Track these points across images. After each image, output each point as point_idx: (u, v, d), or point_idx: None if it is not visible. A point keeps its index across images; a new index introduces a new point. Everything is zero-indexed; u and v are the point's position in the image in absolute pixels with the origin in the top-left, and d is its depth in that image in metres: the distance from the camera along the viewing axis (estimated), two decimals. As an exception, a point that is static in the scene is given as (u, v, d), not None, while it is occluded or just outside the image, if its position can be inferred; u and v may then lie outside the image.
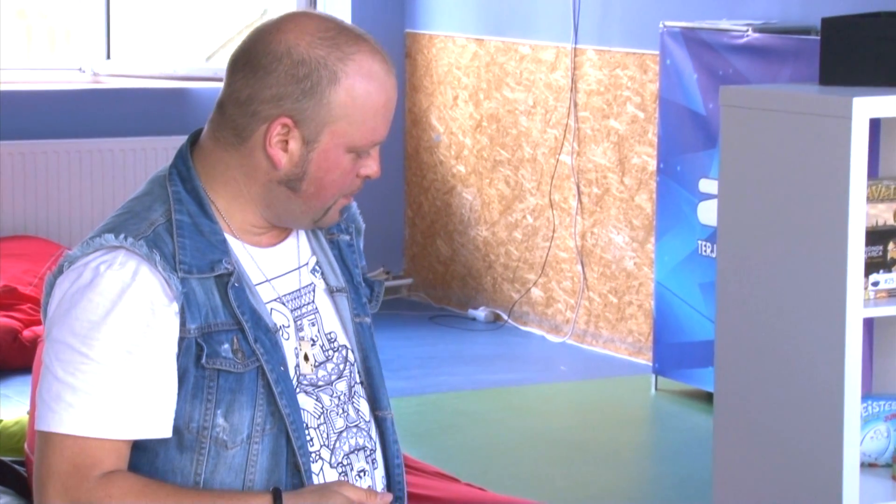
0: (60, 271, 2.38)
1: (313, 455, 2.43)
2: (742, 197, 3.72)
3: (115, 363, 2.31)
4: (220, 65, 8.76)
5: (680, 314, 6.66)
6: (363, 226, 2.66)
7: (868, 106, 3.46)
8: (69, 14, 8.84)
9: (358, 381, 2.53)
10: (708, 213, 6.33)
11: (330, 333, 2.51)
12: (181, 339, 2.35)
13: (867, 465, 3.68)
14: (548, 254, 7.74)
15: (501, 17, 8.39)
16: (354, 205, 2.63)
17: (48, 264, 7.99)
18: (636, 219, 7.33)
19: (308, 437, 2.43)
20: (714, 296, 3.83)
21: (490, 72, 8.42)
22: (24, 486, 4.97)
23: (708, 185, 6.30)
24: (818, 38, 3.84)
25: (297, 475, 2.40)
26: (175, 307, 2.34)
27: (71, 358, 2.32)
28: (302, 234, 2.52)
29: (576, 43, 7.79)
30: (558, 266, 7.71)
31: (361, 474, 2.50)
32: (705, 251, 6.44)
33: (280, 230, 2.48)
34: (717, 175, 3.85)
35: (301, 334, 2.46)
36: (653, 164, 7.08)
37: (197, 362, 2.35)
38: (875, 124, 3.57)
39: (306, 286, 2.50)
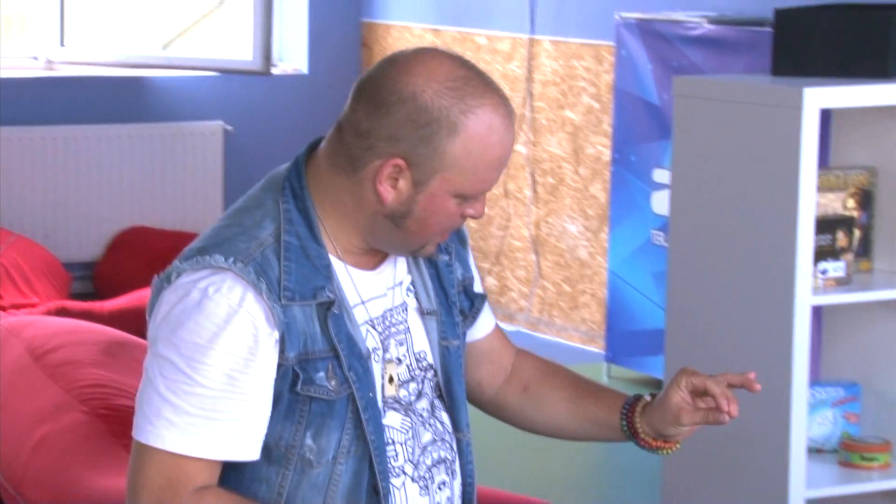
0: (169, 280, 2.40)
1: (396, 469, 2.47)
2: (694, 187, 3.74)
3: (218, 388, 2.35)
4: (177, 53, 8.73)
5: (632, 303, 6.69)
6: (467, 237, 2.66)
7: (819, 96, 3.49)
8: (23, 1, 8.78)
9: (438, 395, 2.54)
10: (661, 202, 6.35)
11: (420, 353, 2.53)
12: (279, 366, 2.37)
13: (814, 451, 3.71)
14: (502, 243, 7.75)
15: (458, 8, 8.39)
16: (464, 229, 2.64)
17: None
18: (590, 208, 7.35)
19: (393, 453, 2.46)
20: (667, 284, 3.84)
21: (446, 61, 8.42)
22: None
23: (661, 175, 6.32)
24: (772, 29, 3.85)
25: (376, 497, 2.43)
26: (276, 335, 2.36)
27: (175, 377, 2.35)
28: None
29: (532, 34, 7.80)
30: (512, 255, 7.73)
31: (442, 486, 2.52)
32: (658, 241, 6.46)
33: (382, 251, 2.49)
34: (671, 163, 3.86)
35: (387, 356, 2.48)
36: (607, 155, 7.10)
37: (292, 388, 2.38)
38: (826, 115, 3.60)
39: (398, 305, 2.51)
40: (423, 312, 2.54)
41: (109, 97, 8.59)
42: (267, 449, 2.41)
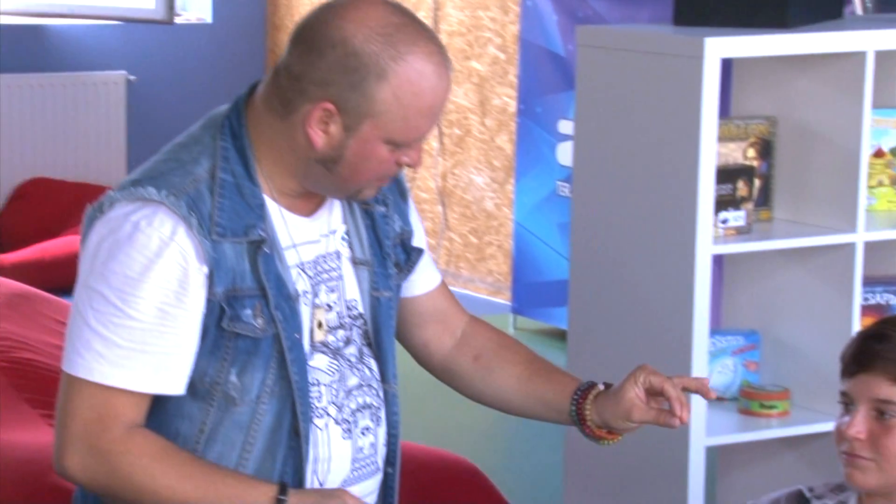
0: (101, 210, 2.41)
1: (319, 410, 2.47)
2: (596, 137, 3.75)
3: (148, 321, 2.36)
4: (79, 1, 8.66)
5: (538, 254, 6.72)
6: (408, 189, 2.66)
7: (719, 46, 3.50)
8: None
9: (367, 343, 2.55)
10: (566, 154, 6.38)
11: (351, 301, 2.53)
12: (208, 301, 2.38)
13: (714, 399, 3.72)
14: (409, 194, 7.76)
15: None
16: (404, 181, 2.64)
17: None
18: (496, 160, 7.36)
19: (317, 394, 2.46)
20: (570, 235, 3.85)
21: (352, 11, 8.40)
22: None
23: (567, 127, 6.34)
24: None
25: (297, 439, 2.44)
26: (205, 270, 2.36)
27: (105, 309, 2.36)
28: (336, 202, 2.53)
29: (431, -22, 7.79)
30: (419, 206, 7.72)
31: (365, 431, 2.53)
32: (564, 192, 6.49)
33: (317, 197, 2.49)
34: (574, 114, 3.87)
35: (317, 300, 2.48)
36: (513, 106, 7.11)
37: (218, 323, 2.39)
38: (727, 64, 3.61)
39: (332, 252, 2.51)
40: (355, 262, 2.55)
41: (10, 46, 8.50)
42: (191, 384, 2.41)
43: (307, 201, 2.49)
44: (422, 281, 2.69)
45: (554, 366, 2.74)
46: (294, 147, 2.43)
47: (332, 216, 2.53)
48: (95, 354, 2.37)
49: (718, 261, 3.73)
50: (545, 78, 6.78)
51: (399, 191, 2.63)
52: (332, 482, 2.50)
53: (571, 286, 3.83)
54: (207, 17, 8.88)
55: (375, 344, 2.57)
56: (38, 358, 4.68)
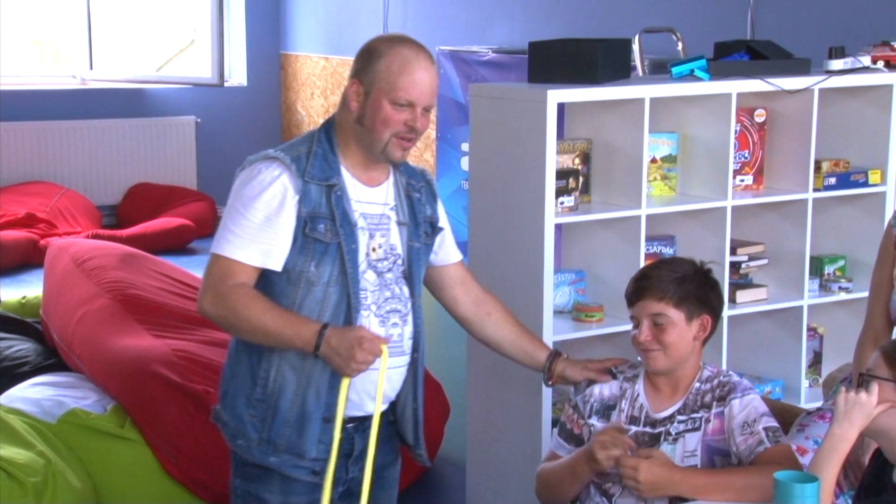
0: (243, 168, 2.46)
1: (365, 305, 2.47)
2: (484, 153, 3.72)
3: (258, 223, 2.40)
4: (166, 73, 8.57)
5: (452, 225, 6.69)
6: (437, 193, 2.69)
7: (557, 95, 3.48)
8: (66, 40, 8.62)
9: (402, 275, 2.54)
10: (466, 163, 6.35)
11: (393, 246, 2.52)
12: (297, 217, 2.40)
13: (557, 312, 3.71)
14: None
15: (340, 43, 8.32)
16: (432, 181, 2.67)
17: (55, 199, 7.78)
18: (425, 168, 7.33)
19: (364, 295, 2.46)
20: (468, 212, 3.84)
21: (333, 78, 8.34)
22: (40, 337, 4.86)
23: (466, 147, 6.33)
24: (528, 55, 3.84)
25: (349, 315, 2.44)
26: (297, 198, 2.40)
27: (235, 215, 2.41)
28: (391, 185, 2.54)
29: (387, 59, 7.77)
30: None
31: (394, 325, 2.52)
32: (465, 187, 6.48)
33: (379, 175, 2.51)
34: (469, 139, 3.85)
35: (371, 240, 2.48)
36: (434, 134, 7.09)
37: (303, 232, 2.41)
38: (561, 106, 3.61)
39: (384, 214, 2.52)
40: (398, 223, 2.54)
41: (122, 101, 8.44)
42: (287, 273, 2.42)
43: (370, 177, 2.50)
44: (447, 254, 2.71)
45: (533, 333, 2.81)
46: (348, 118, 2.47)
47: (388, 193, 2.53)
48: (227, 241, 2.41)
49: (559, 227, 3.72)
50: (453, 116, 6.77)
51: (430, 192, 2.64)
52: None
53: (470, 244, 3.82)
54: (244, 82, 8.82)
55: (408, 274, 2.55)
56: (143, 293, 4.66)
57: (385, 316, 2.49)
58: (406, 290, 2.53)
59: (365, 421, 2.49)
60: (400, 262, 2.52)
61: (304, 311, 2.41)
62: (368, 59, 2.43)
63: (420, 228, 2.56)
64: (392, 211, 2.52)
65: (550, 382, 2.74)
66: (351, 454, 2.51)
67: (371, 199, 2.49)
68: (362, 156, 2.46)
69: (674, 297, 2.61)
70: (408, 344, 2.55)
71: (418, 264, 2.56)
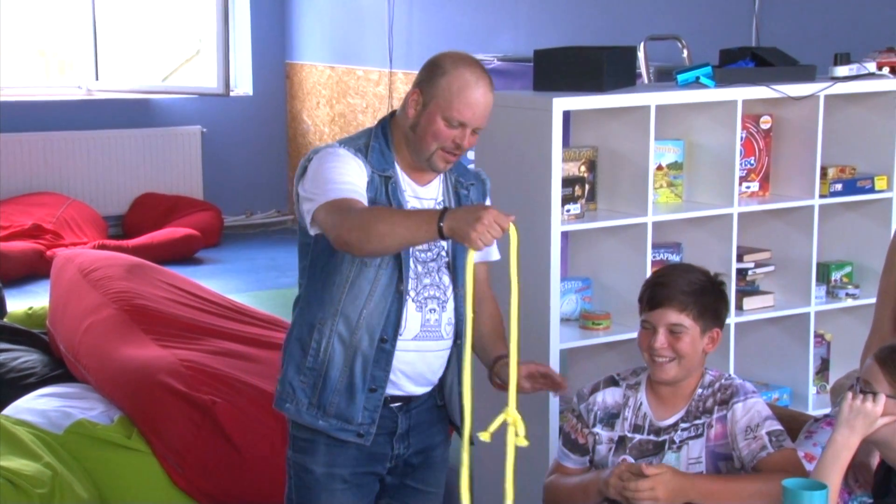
0: (308, 159, 2.51)
1: (406, 288, 2.54)
2: (489, 162, 3.71)
3: (349, 174, 2.46)
4: (172, 83, 8.59)
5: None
6: (488, 192, 2.74)
7: (562, 103, 3.49)
8: (72, 51, 8.64)
9: (445, 265, 2.60)
10: (472, 171, 6.34)
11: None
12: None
13: (564, 320, 3.71)
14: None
15: (344, 52, 8.33)
16: (486, 181, 2.72)
17: (61, 209, 7.79)
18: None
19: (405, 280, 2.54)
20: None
21: (339, 87, 8.36)
22: (47, 348, 4.87)
23: (472, 155, 6.29)
24: (533, 63, 3.85)
25: (398, 298, 2.51)
26: (367, 179, 2.49)
27: (325, 180, 2.44)
28: (440, 181, 2.61)
29: (391, 68, 7.76)
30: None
31: (431, 311, 2.58)
32: (471, 194, 6.46)
33: (429, 175, 2.58)
34: (475, 148, 3.85)
35: None
36: (439, 142, 7.09)
37: None
38: (567, 114, 3.61)
39: (433, 209, 2.56)
40: None
41: (128, 111, 8.45)
42: (341, 253, 2.47)
43: (421, 177, 2.58)
44: (488, 253, 2.70)
45: (503, 338, 2.73)
46: (404, 122, 2.55)
47: (437, 189, 2.61)
48: (329, 190, 2.42)
49: (566, 235, 3.72)
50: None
51: (481, 190, 2.71)
52: (409, 332, 2.55)
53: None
54: (250, 91, 8.83)
55: (452, 265, 2.60)
56: (150, 303, 4.66)
57: (423, 301, 2.57)
58: (447, 279, 2.60)
59: (410, 402, 2.60)
60: (444, 253, 2.60)
61: (355, 288, 2.52)
62: (433, 73, 2.51)
63: None
64: (439, 206, 2.60)
65: (494, 381, 2.75)
66: (395, 432, 2.61)
67: (421, 196, 2.59)
68: (410, 158, 2.56)
69: (694, 310, 2.62)
70: (447, 329, 2.61)
71: (461, 255, 2.61)
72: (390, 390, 2.57)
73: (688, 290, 2.62)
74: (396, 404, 2.60)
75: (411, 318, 2.55)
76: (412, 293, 2.54)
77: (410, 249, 2.52)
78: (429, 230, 2.30)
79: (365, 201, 2.45)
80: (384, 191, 2.51)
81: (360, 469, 2.59)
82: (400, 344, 2.54)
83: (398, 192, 2.52)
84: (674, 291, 2.62)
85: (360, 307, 2.50)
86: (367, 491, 2.62)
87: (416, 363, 2.57)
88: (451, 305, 2.60)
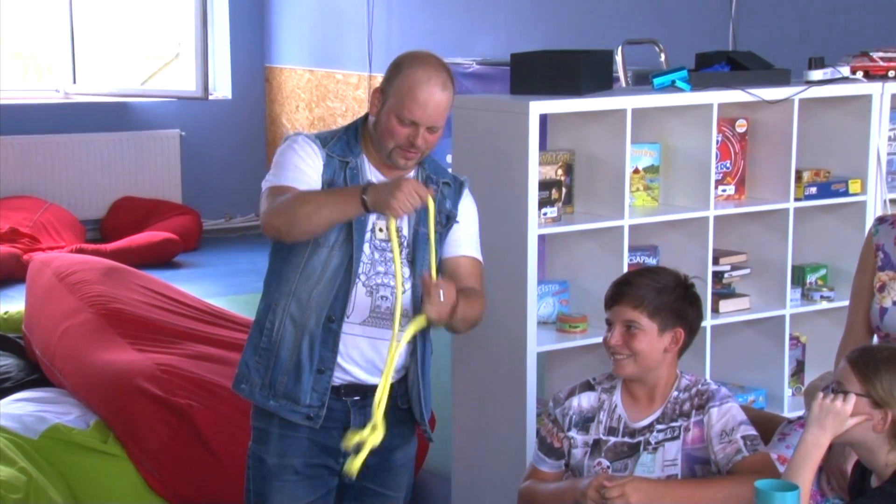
0: (282, 143, 2.59)
1: (357, 273, 2.57)
2: (469, 162, 3.72)
3: (296, 164, 2.53)
4: (150, 86, 8.56)
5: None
6: (464, 193, 2.72)
7: (539, 106, 3.49)
8: (50, 54, 8.61)
9: (405, 257, 2.60)
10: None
11: (399, 227, 2.58)
12: (320, 180, 2.55)
13: (541, 323, 3.71)
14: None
15: (323, 56, 8.32)
16: (463, 182, 2.73)
17: (38, 213, 7.75)
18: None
19: (358, 264, 2.57)
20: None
21: (318, 90, 8.35)
22: (22, 352, 4.84)
23: (449, 158, 6.30)
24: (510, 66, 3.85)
25: (348, 276, 2.53)
26: (322, 163, 2.55)
27: (274, 168, 2.55)
28: (410, 175, 2.62)
29: (370, 72, 7.76)
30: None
31: (384, 298, 2.59)
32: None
33: (397, 172, 2.59)
34: (452, 150, 3.85)
35: (379, 220, 2.57)
36: (418, 145, 7.09)
37: None
38: (544, 118, 3.61)
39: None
40: None
41: (106, 115, 8.43)
42: None
43: (390, 173, 2.59)
44: (454, 245, 2.69)
45: (467, 298, 2.71)
46: (370, 119, 2.59)
47: None
48: (272, 176, 2.54)
49: (543, 238, 3.72)
50: (437, 128, 6.76)
51: (455, 190, 2.71)
52: (357, 315, 2.56)
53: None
54: (229, 95, 8.81)
55: (412, 258, 2.60)
56: (126, 307, 4.64)
57: (374, 287, 2.58)
58: (406, 271, 2.59)
59: (366, 398, 2.56)
60: (406, 243, 2.61)
61: (307, 269, 2.55)
62: (392, 72, 2.56)
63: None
64: None
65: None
66: (348, 427, 2.58)
67: None
68: (377, 154, 2.60)
69: (649, 307, 2.62)
70: (402, 321, 2.58)
71: (422, 246, 2.61)
72: (341, 375, 2.57)
73: (647, 288, 2.63)
74: (353, 398, 2.60)
75: (360, 300, 2.56)
76: (363, 276, 2.57)
77: (368, 235, 2.55)
78: (353, 204, 2.42)
79: (313, 188, 2.53)
80: (343, 175, 2.55)
81: (313, 461, 2.59)
82: (347, 327, 2.54)
83: (358, 177, 2.56)
84: (633, 289, 2.63)
85: (311, 287, 2.55)
86: (319, 484, 2.61)
87: (365, 350, 2.57)
88: (408, 297, 2.58)
